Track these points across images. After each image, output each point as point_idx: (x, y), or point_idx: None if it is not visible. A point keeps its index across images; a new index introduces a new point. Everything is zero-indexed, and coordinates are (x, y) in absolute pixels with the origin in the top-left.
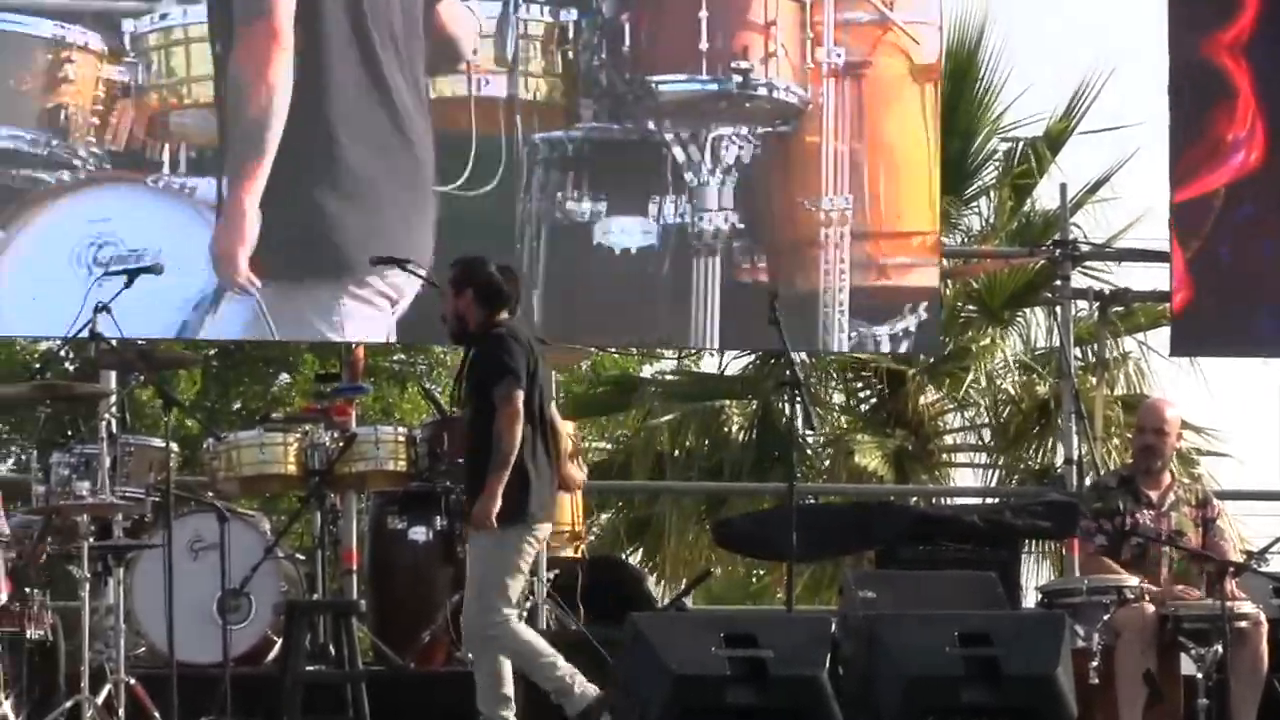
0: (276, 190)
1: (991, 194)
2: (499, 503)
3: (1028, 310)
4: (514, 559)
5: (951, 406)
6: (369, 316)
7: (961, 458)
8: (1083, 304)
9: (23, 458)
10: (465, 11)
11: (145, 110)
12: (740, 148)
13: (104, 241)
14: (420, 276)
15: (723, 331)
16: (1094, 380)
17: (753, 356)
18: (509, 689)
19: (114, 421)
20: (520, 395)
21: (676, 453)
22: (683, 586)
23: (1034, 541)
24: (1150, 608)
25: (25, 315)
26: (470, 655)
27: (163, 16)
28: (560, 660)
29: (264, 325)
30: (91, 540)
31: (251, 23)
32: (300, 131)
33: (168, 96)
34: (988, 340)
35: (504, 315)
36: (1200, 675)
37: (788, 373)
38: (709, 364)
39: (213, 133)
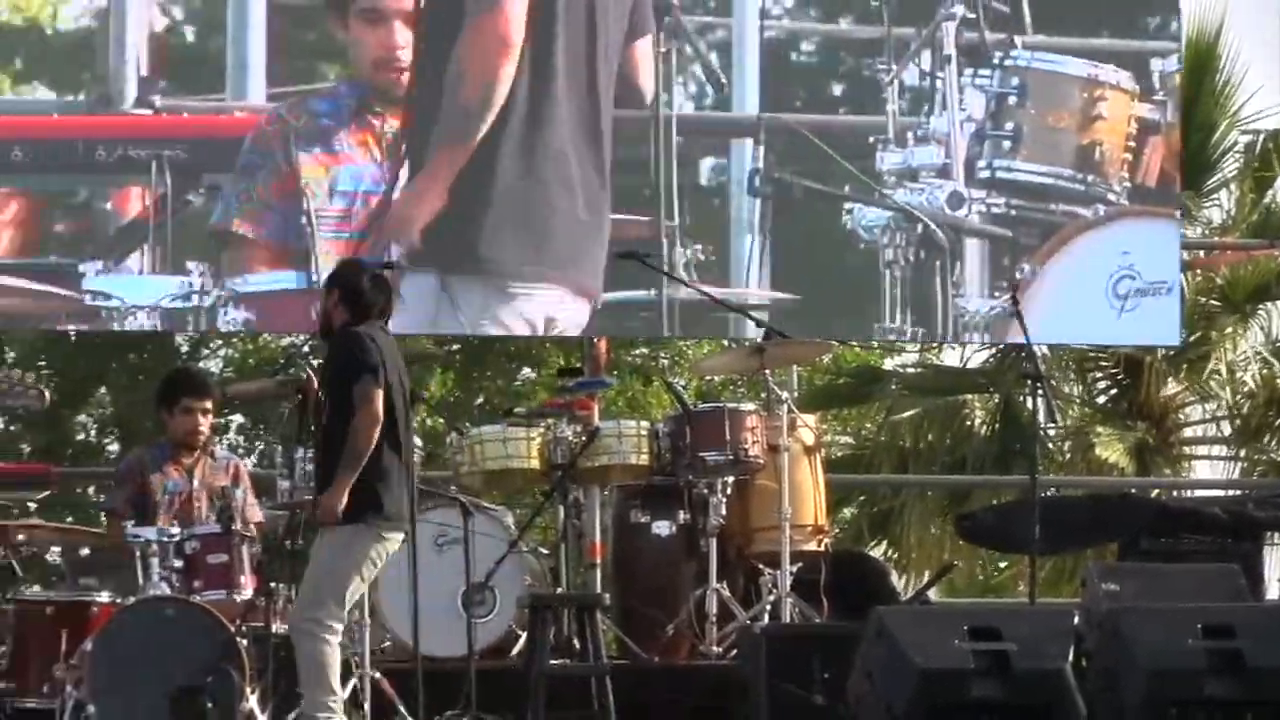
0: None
1: (1232, 187)
2: (345, 499)
3: (1269, 303)
4: (358, 562)
5: (1193, 399)
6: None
7: (1202, 450)
8: None
9: (267, 454)
10: (649, 54)
11: (1173, 147)
12: None
13: (1124, 274)
14: (660, 270)
15: None
16: None
17: (993, 349)
18: (335, 680)
19: None
20: (379, 393)
21: (919, 446)
22: (925, 580)
23: (1277, 534)
24: None
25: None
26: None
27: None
28: (339, 705)
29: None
30: None
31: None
32: (525, 127)
33: None
34: (1229, 330)
35: (369, 322)
36: None
37: (1027, 365)
38: (950, 357)
39: None
